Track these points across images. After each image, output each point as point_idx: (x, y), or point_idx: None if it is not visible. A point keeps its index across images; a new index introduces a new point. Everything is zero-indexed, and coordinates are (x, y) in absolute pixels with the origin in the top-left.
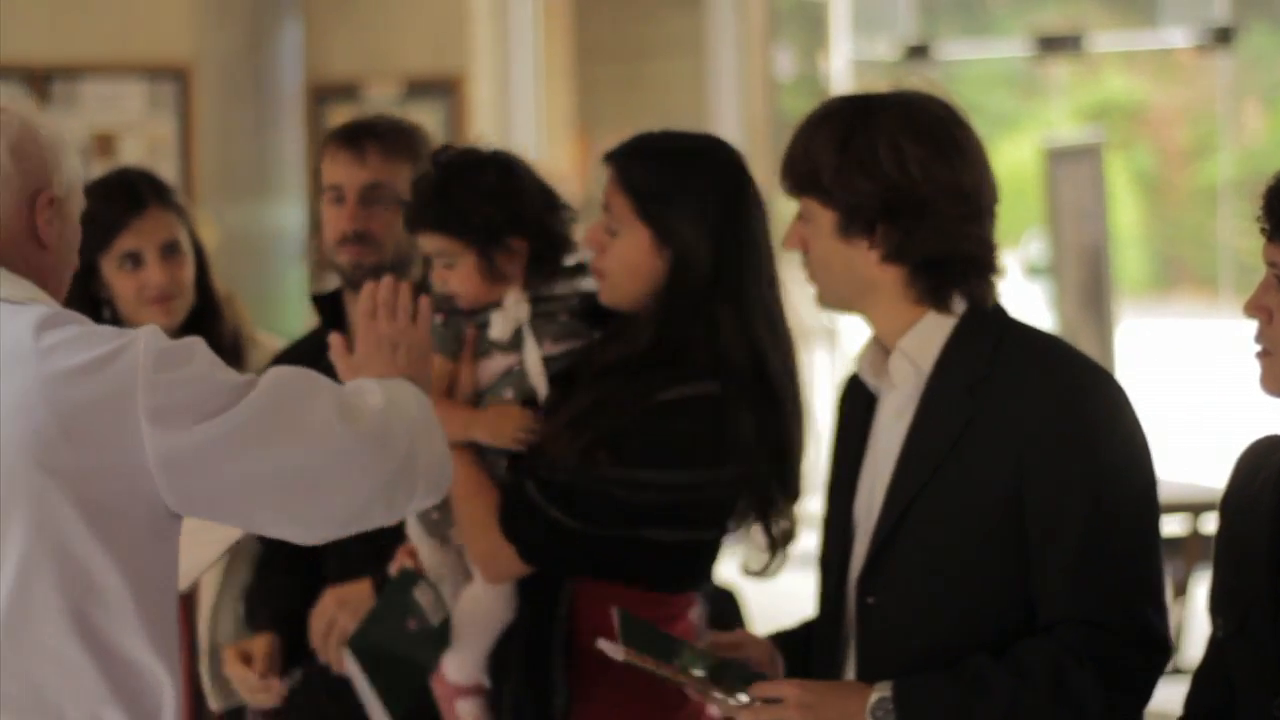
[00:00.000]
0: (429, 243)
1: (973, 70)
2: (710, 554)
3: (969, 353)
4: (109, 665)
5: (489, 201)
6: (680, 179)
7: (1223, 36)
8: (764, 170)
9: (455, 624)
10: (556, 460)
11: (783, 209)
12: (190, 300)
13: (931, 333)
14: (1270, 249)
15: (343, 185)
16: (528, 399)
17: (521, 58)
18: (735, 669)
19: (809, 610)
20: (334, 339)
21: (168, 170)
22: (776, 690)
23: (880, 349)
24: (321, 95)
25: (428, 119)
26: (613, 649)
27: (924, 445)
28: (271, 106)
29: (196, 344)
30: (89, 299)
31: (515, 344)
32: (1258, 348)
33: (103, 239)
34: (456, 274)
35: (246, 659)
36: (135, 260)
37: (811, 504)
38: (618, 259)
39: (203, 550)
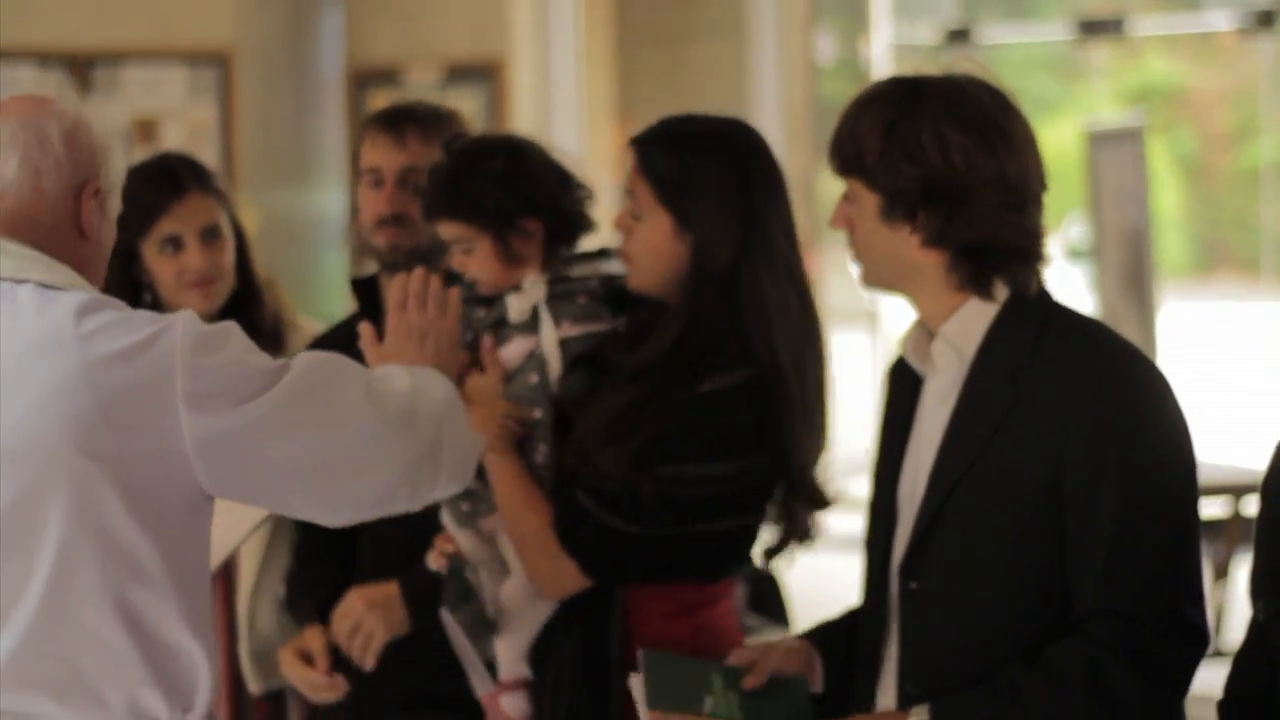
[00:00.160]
0: (446, 230)
1: (1014, 54)
2: (751, 538)
3: (1011, 340)
4: (148, 646)
5: (499, 184)
6: (700, 164)
7: (1265, 20)
8: (804, 155)
9: (497, 618)
10: (603, 467)
11: (830, 189)
12: (230, 284)
13: (974, 319)
14: None
15: (381, 168)
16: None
17: (562, 43)
18: (772, 692)
19: (849, 591)
20: (364, 328)
21: (209, 155)
22: None
23: (924, 332)
24: (362, 80)
25: (468, 104)
26: (641, 706)
27: (965, 433)
28: (312, 91)
29: (231, 328)
30: (130, 283)
31: (533, 325)
32: None
33: (143, 223)
34: (475, 259)
35: (306, 658)
36: (175, 244)
37: (855, 486)
38: (641, 244)
39: (229, 532)
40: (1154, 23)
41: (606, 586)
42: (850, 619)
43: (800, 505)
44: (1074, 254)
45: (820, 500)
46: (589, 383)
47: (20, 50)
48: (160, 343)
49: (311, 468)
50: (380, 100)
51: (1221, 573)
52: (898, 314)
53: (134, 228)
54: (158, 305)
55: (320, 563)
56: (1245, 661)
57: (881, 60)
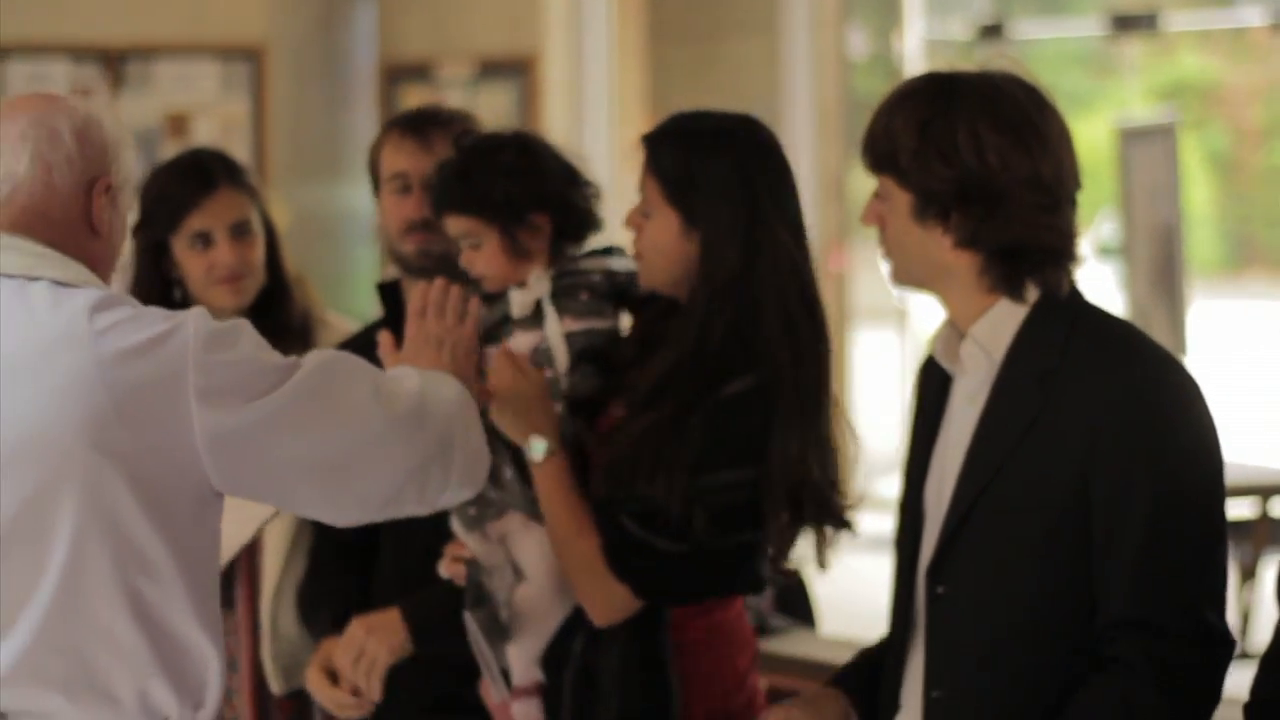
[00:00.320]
0: (454, 225)
1: (1046, 49)
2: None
3: (1040, 343)
4: (158, 641)
5: (508, 178)
6: (707, 162)
7: None
8: (835, 151)
9: (511, 624)
10: (638, 487)
11: (862, 185)
12: (260, 280)
13: (1003, 321)
14: None
15: (408, 173)
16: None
17: (594, 38)
18: None
19: (878, 592)
20: (383, 336)
21: (241, 151)
22: None
23: (954, 332)
24: (394, 75)
25: (500, 100)
26: None
27: (993, 437)
28: (344, 87)
29: (243, 325)
30: (160, 278)
31: (536, 320)
32: None
33: (174, 218)
34: (482, 254)
35: (331, 674)
36: (205, 240)
37: (885, 486)
38: (650, 242)
39: (237, 529)
40: (1187, 18)
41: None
42: (878, 655)
43: (807, 515)
44: (1104, 251)
45: (827, 509)
46: (597, 382)
47: (53, 45)
48: (173, 339)
49: (319, 465)
50: (413, 95)
51: (1249, 574)
52: (928, 312)
53: (164, 223)
54: (187, 301)
55: (333, 574)
56: (1272, 664)
57: (914, 56)
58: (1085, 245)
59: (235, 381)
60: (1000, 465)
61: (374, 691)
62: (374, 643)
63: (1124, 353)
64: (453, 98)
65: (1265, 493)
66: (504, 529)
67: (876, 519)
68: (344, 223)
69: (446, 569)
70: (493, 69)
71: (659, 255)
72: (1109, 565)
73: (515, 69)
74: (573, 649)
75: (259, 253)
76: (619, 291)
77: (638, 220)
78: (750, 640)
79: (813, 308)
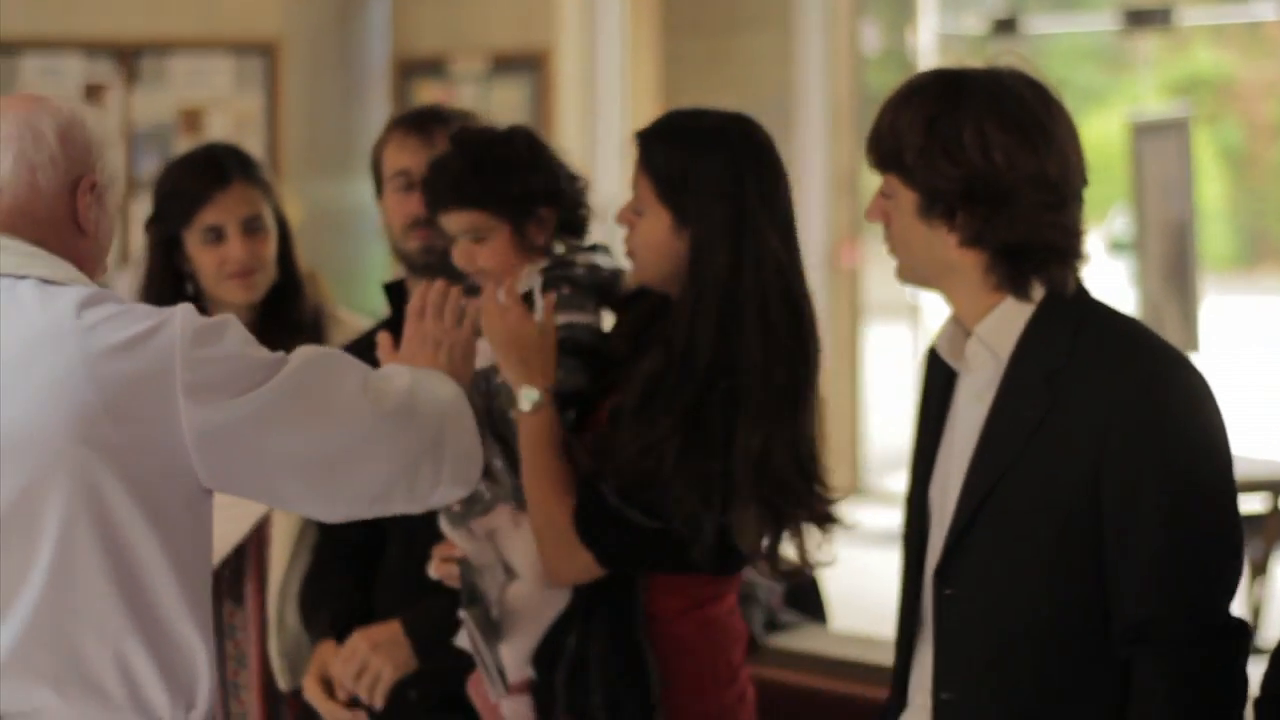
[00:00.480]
0: (458, 220)
1: (1060, 44)
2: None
3: (1047, 341)
4: (150, 636)
5: (525, 172)
6: (699, 161)
7: None
8: (848, 146)
9: (503, 621)
10: (622, 462)
11: (874, 181)
12: (272, 276)
13: (1009, 320)
14: None
15: (411, 170)
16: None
17: (608, 33)
18: None
19: (887, 587)
20: (381, 338)
21: (254, 146)
22: None
23: (960, 329)
24: (408, 70)
25: (514, 94)
26: None
27: (1000, 437)
28: (358, 82)
29: (230, 321)
30: (172, 273)
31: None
32: None
33: (186, 212)
34: (488, 248)
35: (328, 685)
36: (217, 234)
37: (893, 481)
38: (642, 239)
39: (232, 526)
40: (1201, 13)
41: (624, 578)
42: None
43: (784, 511)
44: (1117, 246)
45: (803, 506)
46: (583, 377)
47: (67, 40)
48: (160, 335)
49: (307, 461)
50: (426, 91)
51: (1259, 569)
52: (940, 308)
53: (177, 217)
54: (199, 295)
55: (334, 573)
56: None
57: (928, 51)
58: (1093, 242)
59: (222, 377)
60: (1008, 466)
61: (377, 705)
62: (378, 659)
63: (1132, 351)
64: (466, 93)
65: (1276, 488)
66: (491, 525)
67: (888, 514)
68: (357, 218)
69: (436, 570)
70: (506, 64)
71: (650, 252)
72: (1123, 566)
73: (528, 64)
74: (566, 645)
75: (271, 248)
76: (602, 287)
77: (630, 217)
78: (742, 635)
79: (798, 308)
